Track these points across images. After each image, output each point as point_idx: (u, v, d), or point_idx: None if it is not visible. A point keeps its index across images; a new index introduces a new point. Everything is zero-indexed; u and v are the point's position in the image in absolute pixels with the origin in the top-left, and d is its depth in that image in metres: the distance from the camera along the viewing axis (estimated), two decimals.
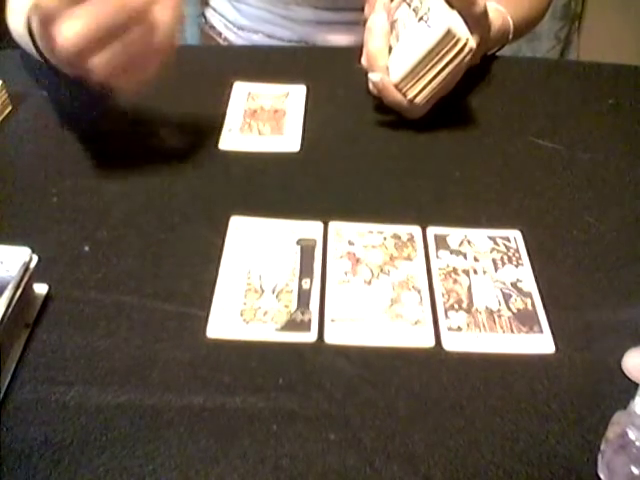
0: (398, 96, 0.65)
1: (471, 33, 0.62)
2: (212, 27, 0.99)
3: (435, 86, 0.64)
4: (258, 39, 0.93)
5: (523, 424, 0.43)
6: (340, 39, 0.89)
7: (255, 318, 0.48)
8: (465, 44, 0.61)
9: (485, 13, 0.66)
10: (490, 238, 0.56)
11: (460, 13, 0.63)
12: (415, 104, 0.65)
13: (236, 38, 0.95)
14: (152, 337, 0.47)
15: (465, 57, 0.62)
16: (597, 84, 0.78)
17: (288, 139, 0.66)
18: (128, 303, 0.49)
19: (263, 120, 0.69)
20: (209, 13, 0.99)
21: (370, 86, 0.69)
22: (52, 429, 0.41)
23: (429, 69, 0.63)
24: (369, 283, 0.52)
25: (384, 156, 0.65)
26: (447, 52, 0.61)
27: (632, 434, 0.38)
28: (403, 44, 0.64)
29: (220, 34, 0.97)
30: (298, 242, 0.55)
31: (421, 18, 0.62)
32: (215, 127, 0.67)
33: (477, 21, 0.65)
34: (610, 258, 0.55)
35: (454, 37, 0.61)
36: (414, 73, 0.63)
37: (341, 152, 0.65)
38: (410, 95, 0.65)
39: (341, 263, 0.53)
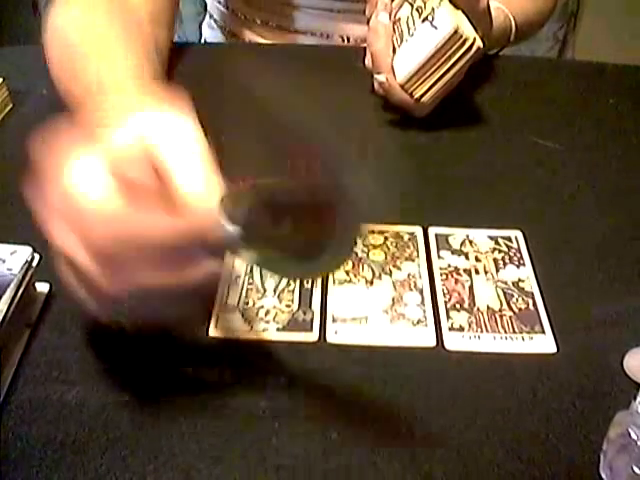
0: (404, 96, 0.66)
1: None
2: (216, 21, 0.96)
3: (442, 85, 0.64)
4: (266, 30, 0.91)
5: (524, 424, 0.43)
6: (354, 29, 0.88)
7: (257, 317, 0.48)
8: (473, 43, 0.61)
9: (487, 10, 0.66)
10: (491, 238, 0.56)
11: (463, 10, 0.63)
12: (421, 103, 0.65)
13: (242, 31, 0.93)
14: (154, 336, 0.47)
15: (472, 56, 0.62)
16: (598, 84, 0.78)
17: None
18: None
19: None
20: (212, 7, 0.96)
21: (376, 86, 0.69)
22: (54, 428, 0.41)
23: (436, 69, 0.63)
24: (371, 283, 0.51)
25: (385, 156, 0.65)
26: (454, 52, 0.62)
27: (634, 434, 0.38)
28: (408, 44, 0.64)
29: (224, 28, 0.94)
30: None
31: (425, 18, 0.62)
32: None
33: (479, 18, 0.65)
34: (611, 258, 0.55)
35: (461, 37, 0.61)
36: (421, 73, 0.63)
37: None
38: (417, 95, 0.65)
39: None
